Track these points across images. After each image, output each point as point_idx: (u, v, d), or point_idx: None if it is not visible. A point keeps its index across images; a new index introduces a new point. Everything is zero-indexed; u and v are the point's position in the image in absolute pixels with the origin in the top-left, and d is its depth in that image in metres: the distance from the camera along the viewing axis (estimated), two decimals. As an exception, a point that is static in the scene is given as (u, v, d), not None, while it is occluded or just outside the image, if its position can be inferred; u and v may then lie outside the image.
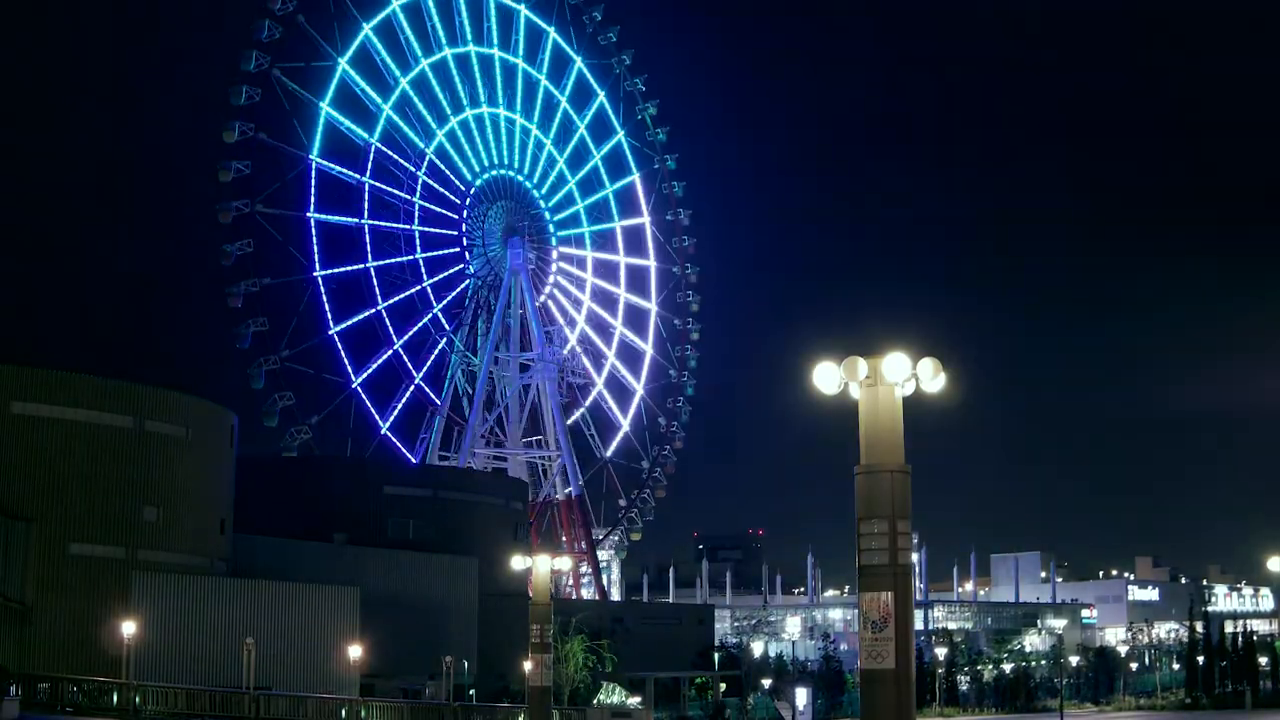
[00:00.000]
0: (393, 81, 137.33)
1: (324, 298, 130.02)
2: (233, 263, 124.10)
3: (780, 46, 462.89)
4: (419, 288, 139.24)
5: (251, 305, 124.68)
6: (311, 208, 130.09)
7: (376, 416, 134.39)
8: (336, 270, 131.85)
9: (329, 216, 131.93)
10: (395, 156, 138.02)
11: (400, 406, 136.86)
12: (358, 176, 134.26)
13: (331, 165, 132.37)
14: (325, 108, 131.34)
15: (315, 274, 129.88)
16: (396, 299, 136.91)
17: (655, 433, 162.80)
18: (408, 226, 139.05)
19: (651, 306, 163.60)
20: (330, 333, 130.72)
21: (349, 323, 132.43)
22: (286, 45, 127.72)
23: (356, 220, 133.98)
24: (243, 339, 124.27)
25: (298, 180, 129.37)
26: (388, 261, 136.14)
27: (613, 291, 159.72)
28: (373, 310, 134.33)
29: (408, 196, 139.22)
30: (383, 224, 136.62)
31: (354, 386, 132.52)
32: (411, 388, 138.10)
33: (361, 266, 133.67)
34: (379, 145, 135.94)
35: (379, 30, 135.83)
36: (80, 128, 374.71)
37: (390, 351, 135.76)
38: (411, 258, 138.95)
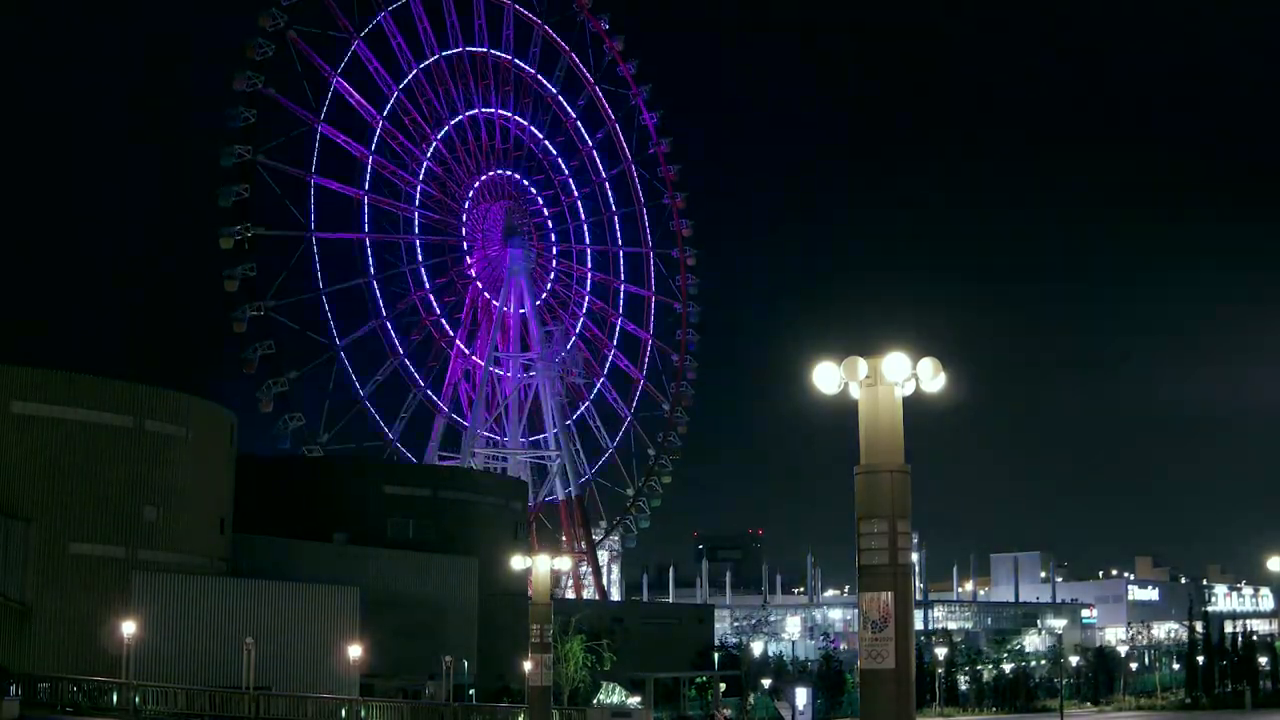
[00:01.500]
0: (372, 120, 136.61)
1: (348, 366, 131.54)
2: (256, 365, 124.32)
3: (781, 44, 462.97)
4: (420, 294, 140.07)
5: (284, 402, 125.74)
6: (320, 283, 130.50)
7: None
8: (354, 336, 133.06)
9: (336, 286, 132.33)
10: (388, 199, 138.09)
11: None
12: (356, 235, 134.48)
13: (330, 234, 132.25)
14: (312, 178, 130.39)
15: (337, 346, 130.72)
16: (398, 309, 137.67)
17: (669, 371, 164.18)
18: (411, 266, 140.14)
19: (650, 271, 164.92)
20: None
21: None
22: (261, 126, 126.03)
23: (364, 279, 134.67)
24: (284, 436, 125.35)
25: (302, 258, 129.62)
26: (399, 312, 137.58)
27: (609, 250, 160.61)
28: (375, 321, 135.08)
29: (405, 237, 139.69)
30: (389, 274, 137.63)
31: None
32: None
33: (378, 320, 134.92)
34: (370, 194, 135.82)
35: (347, 73, 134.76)
36: (80, 126, 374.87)
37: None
38: (423, 294, 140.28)
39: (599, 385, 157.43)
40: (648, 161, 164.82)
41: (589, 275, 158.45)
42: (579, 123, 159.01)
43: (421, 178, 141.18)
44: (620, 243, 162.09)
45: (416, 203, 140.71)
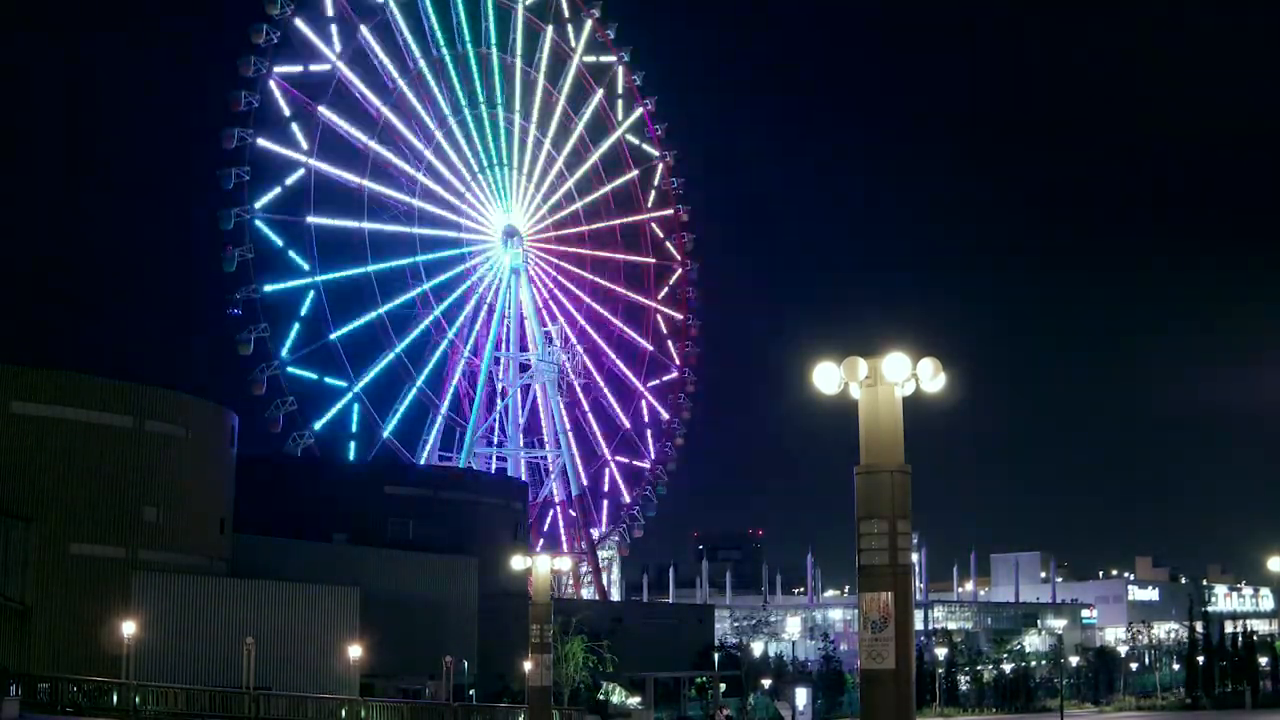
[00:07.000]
0: (390, 84, 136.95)
1: (324, 303, 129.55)
2: (234, 268, 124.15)
3: (781, 45, 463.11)
4: (420, 290, 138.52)
5: (251, 311, 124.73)
6: (310, 213, 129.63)
7: (378, 420, 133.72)
8: (336, 275, 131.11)
9: (328, 220, 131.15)
10: (394, 159, 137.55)
11: (402, 410, 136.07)
12: (357, 180, 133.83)
13: (329, 168, 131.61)
14: (323, 111, 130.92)
15: (316, 278, 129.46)
16: (398, 301, 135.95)
17: (657, 428, 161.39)
18: (408, 229, 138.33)
19: (653, 291, 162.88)
20: (331, 338, 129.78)
21: (349, 327, 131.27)
22: (284, 50, 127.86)
23: (357, 224, 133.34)
24: (245, 345, 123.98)
25: (296, 187, 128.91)
26: (388, 265, 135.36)
27: (613, 292, 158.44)
28: (374, 314, 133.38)
29: (407, 200, 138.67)
30: (384, 227, 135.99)
31: (356, 391, 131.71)
32: (414, 391, 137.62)
33: (361, 270, 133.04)
34: (377, 148, 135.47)
35: (376, 31, 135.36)
36: (80, 126, 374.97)
37: (392, 355, 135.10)
38: (412, 260, 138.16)
39: (582, 419, 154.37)
40: (664, 221, 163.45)
41: (586, 304, 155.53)
42: (599, 165, 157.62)
43: (431, 152, 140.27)
44: (625, 288, 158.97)
45: (422, 172, 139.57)
